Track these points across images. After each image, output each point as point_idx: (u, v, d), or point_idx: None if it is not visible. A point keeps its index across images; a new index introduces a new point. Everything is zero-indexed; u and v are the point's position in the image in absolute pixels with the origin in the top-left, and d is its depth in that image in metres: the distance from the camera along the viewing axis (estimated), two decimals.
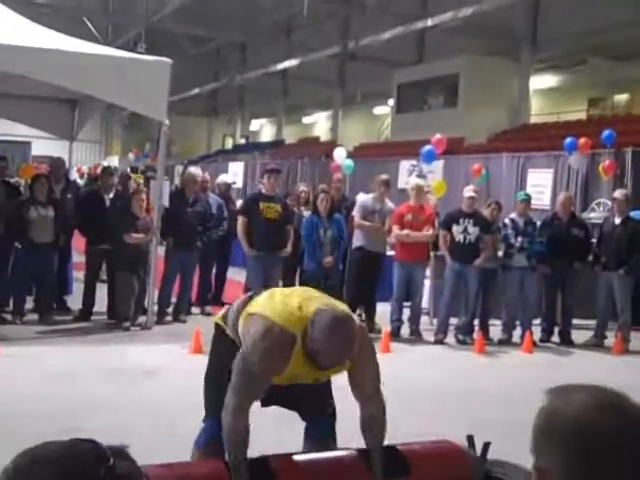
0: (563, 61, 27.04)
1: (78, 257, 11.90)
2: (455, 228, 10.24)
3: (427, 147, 12.75)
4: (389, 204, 10.77)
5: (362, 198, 11.03)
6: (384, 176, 11.12)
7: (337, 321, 3.66)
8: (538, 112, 28.12)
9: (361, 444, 4.04)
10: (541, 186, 17.12)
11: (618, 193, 10.93)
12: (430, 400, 7.38)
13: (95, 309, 10.44)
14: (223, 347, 4.23)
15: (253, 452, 4.26)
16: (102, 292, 10.45)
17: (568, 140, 15.67)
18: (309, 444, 4.40)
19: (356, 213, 10.58)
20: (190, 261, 10.62)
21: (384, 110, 34.99)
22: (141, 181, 15.99)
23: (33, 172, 12.87)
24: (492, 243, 10.29)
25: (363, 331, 4.04)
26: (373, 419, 4.06)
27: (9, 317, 9.97)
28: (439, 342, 10.18)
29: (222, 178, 12.45)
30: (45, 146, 22.92)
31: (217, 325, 4.34)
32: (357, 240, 10.55)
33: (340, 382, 4.19)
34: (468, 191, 10.63)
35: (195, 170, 11.63)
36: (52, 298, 10.39)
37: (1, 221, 9.92)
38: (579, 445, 1.45)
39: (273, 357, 3.72)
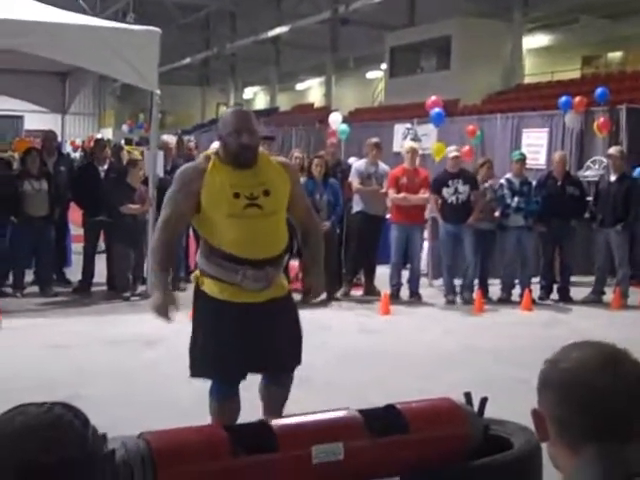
0: (555, 20, 26.90)
1: (76, 230, 11.89)
2: (445, 190, 10.24)
3: (435, 109, 12.74)
4: (382, 166, 10.76)
5: (356, 163, 11.00)
6: (374, 139, 11.11)
7: (234, 107, 4.11)
8: (532, 72, 28.03)
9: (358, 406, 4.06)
10: (536, 145, 17.09)
11: (613, 150, 10.93)
12: (429, 359, 7.43)
13: (94, 280, 10.46)
14: (203, 305, 4.37)
15: (253, 418, 4.31)
16: (101, 263, 10.47)
17: (563, 99, 15.64)
18: (267, 393, 4.57)
19: (353, 179, 10.55)
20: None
21: (377, 74, 34.85)
22: (137, 153, 15.93)
23: (27, 146, 12.81)
24: (480, 199, 10.27)
25: (293, 164, 5.03)
26: (308, 233, 4.59)
27: (9, 290, 10.00)
28: (451, 302, 10.22)
29: (214, 146, 12.40)
30: (38, 120, 22.76)
31: (195, 280, 4.45)
32: (357, 205, 10.54)
33: None
34: (451, 151, 10.65)
35: (167, 137, 11.60)
36: (51, 270, 10.43)
37: None
38: (567, 395, 1.53)
39: (185, 176, 4.26)
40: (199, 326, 4.36)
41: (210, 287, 4.29)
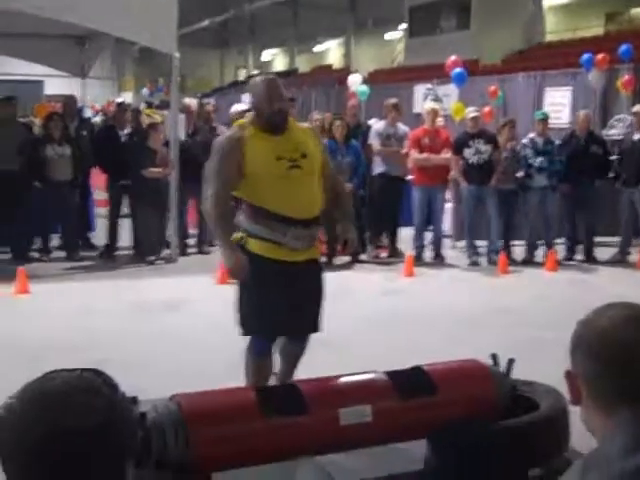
0: None
1: (99, 194, 11.94)
2: (467, 151, 10.17)
3: (457, 69, 12.62)
4: (402, 127, 10.70)
5: (375, 125, 10.91)
6: (393, 100, 11.02)
7: (264, 76, 4.65)
8: (553, 30, 27.66)
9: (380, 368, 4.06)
10: (559, 104, 16.90)
11: (638, 107, 10.78)
12: (454, 321, 7.43)
13: (119, 244, 10.51)
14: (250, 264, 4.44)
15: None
16: (126, 227, 10.51)
17: (585, 57, 15.42)
18: (288, 350, 4.77)
19: (373, 140, 10.50)
20: (201, 191, 10.57)
21: (396, 35, 34.52)
22: (157, 116, 15.90)
23: (49, 111, 12.82)
24: (500, 159, 10.19)
25: (317, 132, 5.12)
26: (337, 193, 4.78)
27: (36, 255, 10.07)
28: (475, 264, 10.20)
29: (235, 108, 12.34)
30: (58, 85, 22.77)
31: (237, 241, 4.50)
32: (378, 167, 10.49)
33: None
34: (471, 112, 10.57)
35: (188, 100, 11.56)
36: (77, 235, 10.49)
37: (18, 160, 9.92)
38: (601, 355, 1.52)
39: (225, 145, 4.46)
40: (245, 284, 4.48)
41: (255, 246, 4.43)
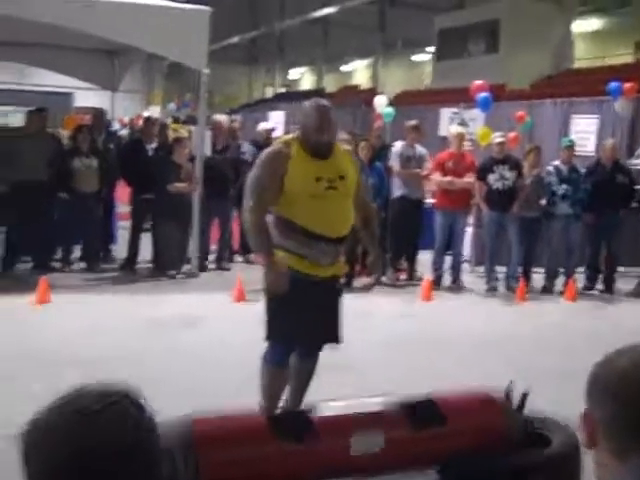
0: (607, 3, 26.43)
1: (122, 207, 12.03)
2: (491, 177, 10.16)
3: (482, 94, 12.62)
4: (420, 149, 10.72)
5: (395, 147, 10.91)
6: (413, 122, 11.06)
7: (315, 100, 4.74)
8: (583, 57, 27.60)
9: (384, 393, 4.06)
10: (585, 132, 16.85)
11: None
12: (469, 347, 7.41)
13: (140, 258, 10.57)
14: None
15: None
16: (147, 241, 10.58)
17: (613, 84, 15.37)
18: (299, 369, 4.92)
19: (393, 162, 10.50)
20: (226, 208, 10.66)
21: (424, 57, 34.58)
22: (184, 131, 16.00)
23: (78, 123, 12.95)
24: (525, 185, 10.17)
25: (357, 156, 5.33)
26: (368, 217, 4.96)
27: (58, 265, 10.14)
28: (493, 289, 10.18)
29: (262, 126, 12.43)
30: (87, 97, 23.01)
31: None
32: (398, 189, 10.50)
33: None
34: (497, 137, 10.56)
35: (220, 116, 11.62)
36: (99, 247, 10.57)
37: (46, 171, 10.02)
38: (621, 394, 1.49)
39: (272, 160, 4.63)
40: (273, 296, 4.68)
41: (285, 258, 4.62)
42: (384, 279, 10.38)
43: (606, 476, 1.53)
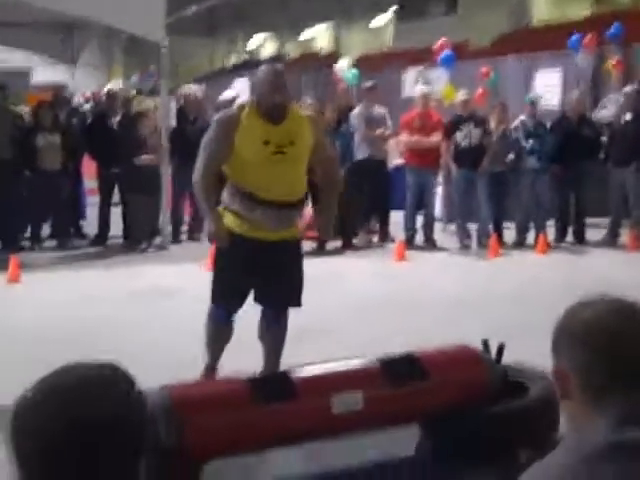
0: None
1: (90, 182, 11.92)
2: (458, 134, 10.19)
3: (445, 51, 12.62)
4: (379, 109, 10.71)
5: (356, 110, 10.78)
6: (369, 83, 11.09)
7: (268, 64, 4.86)
8: (542, 12, 27.59)
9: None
10: (550, 86, 16.87)
11: (628, 88, 10.81)
12: (446, 305, 7.44)
13: (111, 233, 10.49)
14: None
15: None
16: (117, 215, 10.49)
17: (573, 38, 15.39)
18: (267, 332, 5.03)
19: (358, 124, 10.41)
20: None
21: (385, 19, 34.41)
22: (150, 102, 15.82)
23: (39, 99, 12.77)
24: (492, 142, 10.21)
25: (319, 119, 5.45)
26: (328, 180, 4.98)
27: (27, 244, 10.05)
28: (466, 247, 10.22)
29: (226, 94, 12.31)
30: (47, 73, 22.67)
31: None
32: (362, 151, 10.41)
33: None
34: (461, 95, 10.56)
35: (190, 87, 11.50)
36: (68, 223, 10.47)
37: (9, 149, 9.90)
38: (592, 343, 1.52)
39: (222, 123, 4.73)
40: (217, 256, 4.91)
41: (230, 221, 4.73)
42: (356, 242, 10.40)
43: (579, 426, 1.55)
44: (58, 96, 11.33)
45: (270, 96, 4.60)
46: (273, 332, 5.03)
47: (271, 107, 4.62)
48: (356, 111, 10.62)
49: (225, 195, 4.82)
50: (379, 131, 10.45)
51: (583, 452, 1.43)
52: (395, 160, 11.26)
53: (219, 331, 4.97)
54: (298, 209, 4.86)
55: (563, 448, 1.50)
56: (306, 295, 7.73)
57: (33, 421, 1.29)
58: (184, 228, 10.85)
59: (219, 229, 4.70)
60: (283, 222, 4.70)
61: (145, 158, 9.79)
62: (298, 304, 4.98)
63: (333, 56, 29.39)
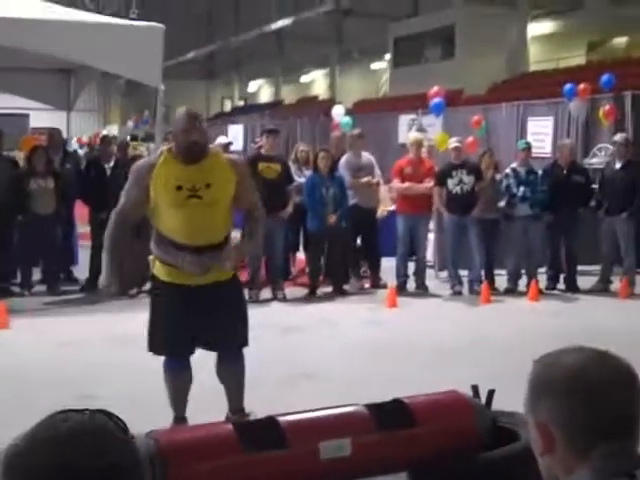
0: (560, 6, 26.78)
1: (82, 227, 11.93)
2: (450, 181, 10.25)
3: (435, 99, 12.74)
4: (366, 157, 10.79)
5: (343, 158, 10.81)
6: (356, 131, 11.20)
7: (185, 108, 4.81)
8: (537, 59, 27.92)
9: (358, 401, 4.07)
10: (541, 134, 17.05)
11: (619, 137, 10.89)
12: (437, 352, 7.43)
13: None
14: (155, 287, 4.93)
15: (260, 412, 4.33)
16: None
17: (567, 86, 15.57)
18: (222, 373, 5.06)
19: (344, 173, 10.44)
20: None
21: (381, 65, 34.77)
22: (143, 148, 15.92)
23: (34, 144, 12.83)
24: (485, 189, 10.28)
25: (242, 162, 5.34)
26: (252, 220, 5.00)
27: (17, 289, 10.02)
28: (458, 294, 10.21)
29: (219, 140, 12.40)
30: (44, 118, 22.77)
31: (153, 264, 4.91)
32: (351, 199, 10.46)
33: None
34: (453, 142, 10.64)
35: None
36: (59, 269, 10.44)
37: (3, 195, 9.93)
38: (573, 394, 1.51)
39: (138, 170, 4.78)
40: (152, 306, 4.94)
41: (160, 270, 4.82)
42: (347, 287, 10.40)
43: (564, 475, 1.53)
44: (52, 140, 11.36)
45: (185, 135, 4.64)
46: (229, 372, 5.06)
47: (186, 146, 4.65)
48: (343, 160, 10.66)
49: (152, 244, 4.88)
50: (365, 179, 10.51)
51: None
52: (387, 207, 11.28)
53: (176, 380, 5.00)
54: (221, 249, 4.80)
55: None
56: (296, 340, 7.79)
57: (24, 471, 1.27)
58: None
59: (107, 281, 4.84)
60: (207, 265, 4.70)
61: None
62: (244, 343, 5.01)
63: (330, 102, 29.65)
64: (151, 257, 4.90)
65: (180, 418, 5.01)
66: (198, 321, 4.76)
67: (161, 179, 4.64)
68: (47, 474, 1.26)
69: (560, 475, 1.53)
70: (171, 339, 4.82)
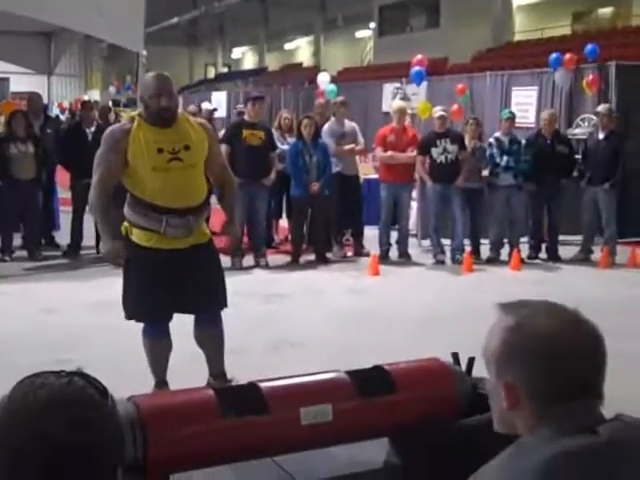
0: None
1: (63, 192, 11.86)
2: (434, 150, 10.23)
3: (416, 68, 12.67)
4: (349, 124, 10.78)
5: (326, 125, 10.78)
6: (340, 98, 11.19)
7: (154, 72, 4.81)
8: (522, 29, 27.85)
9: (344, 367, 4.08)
10: (525, 104, 16.99)
11: (602, 108, 10.89)
12: (419, 320, 7.46)
13: (83, 244, 10.42)
14: (132, 253, 4.82)
15: (242, 379, 4.33)
16: (89, 227, 10.41)
17: (553, 56, 15.51)
18: (201, 337, 5.09)
19: (328, 141, 10.41)
20: None
21: (366, 33, 34.60)
22: (124, 114, 15.77)
23: (14, 108, 12.70)
24: (468, 158, 10.28)
25: (209, 124, 5.29)
26: (224, 186, 5.08)
27: None
28: (440, 262, 10.23)
29: (204, 106, 12.33)
30: (24, 82, 22.57)
31: (124, 231, 4.86)
32: (335, 166, 10.44)
33: None
34: (437, 111, 10.61)
35: None
36: (40, 234, 10.39)
37: None
38: (539, 357, 1.55)
39: (113, 136, 4.73)
40: (128, 273, 4.89)
41: (138, 236, 4.76)
42: (330, 255, 10.41)
43: (524, 429, 1.57)
44: (32, 105, 11.24)
45: (156, 100, 4.63)
46: (207, 336, 5.08)
47: (157, 111, 4.65)
48: (326, 127, 10.62)
49: (127, 210, 4.83)
50: (349, 147, 10.49)
51: (526, 464, 1.46)
52: (369, 174, 11.27)
53: (156, 346, 5.01)
54: (202, 212, 4.89)
55: (506, 453, 1.53)
56: (279, 308, 7.80)
57: (6, 432, 1.27)
58: None
59: (113, 248, 4.74)
60: (187, 229, 4.72)
61: None
62: (224, 304, 5.02)
63: (314, 69, 29.50)
64: (125, 224, 4.85)
65: (161, 383, 5.02)
66: (178, 285, 4.76)
67: (140, 143, 4.62)
68: (23, 447, 1.25)
69: (522, 433, 1.57)
70: (150, 304, 4.81)
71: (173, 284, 4.76)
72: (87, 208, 5.01)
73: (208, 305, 4.98)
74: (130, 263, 4.87)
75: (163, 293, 4.77)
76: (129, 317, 4.96)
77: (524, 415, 1.57)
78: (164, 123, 4.68)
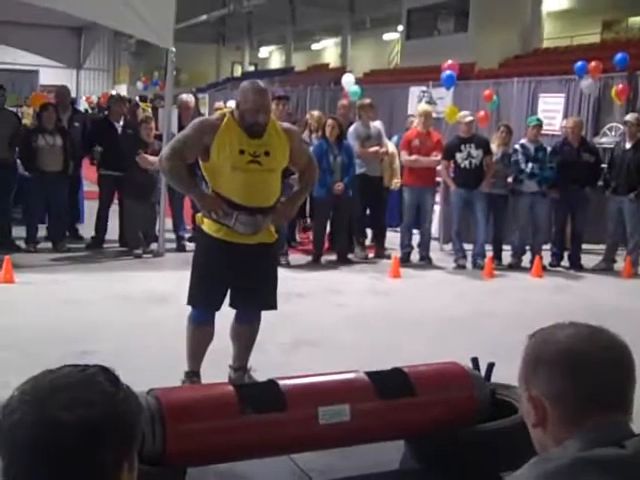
0: None
1: (89, 186, 11.93)
2: (459, 155, 10.22)
3: (447, 72, 12.67)
4: (375, 126, 10.75)
5: (352, 126, 10.78)
6: (366, 100, 11.13)
7: (252, 81, 4.99)
8: (551, 36, 27.68)
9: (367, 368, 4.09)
10: (552, 111, 16.93)
11: (630, 117, 10.81)
12: (438, 323, 7.45)
13: (107, 237, 10.49)
14: (201, 241, 5.09)
15: (261, 377, 4.36)
16: (114, 220, 10.50)
17: (578, 64, 15.46)
18: (239, 330, 5.20)
19: (353, 142, 10.41)
20: None
21: (394, 36, 34.54)
22: (149, 110, 15.86)
23: (44, 101, 12.79)
24: (492, 164, 10.25)
25: (295, 129, 5.60)
26: (305, 173, 5.28)
27: (23, 245, 10.03)
28: (461, 267, 10.22)
29: (229, 105, 12.36)
30: (53, 75, 22.72)
31: (198, 220, 5.06)
32: (359, 167, 10.45)
33: None
34: (465, 116, 10.58)
35: (186, 96, 11.48)
36: (64, 226, 10.46)
37: (7, 150, 9.92)
38: (562, 371, 1.55)
39: (203, 125, 4.94)
40: (196, 259, 5.07)
41: (208, 226, 4.93)
42: (352, 256, 10.41)
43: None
44: (61, 98, 11.31)
45: (253, 115, 4.79)
46: (247, 331, 5.19)
47: (251, 125, 4.82)
48: (351, 128, 10.63)
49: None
50: (373, 149, 10.48)
51: (547, 468, 1.46)
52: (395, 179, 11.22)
53: (201, 332, 5.09)
54: (270, 214, 5.01)
55: (530, 464, 1.53)
56: (300, 307, 7.81)
57: (13, 420, 1.29)
58: (187, 235, 10.67)
59: (208, 198, 4.88)
60: (257, 227, 4.87)
61: (145, 158, 9.71)
62: (274, 306, 5.17)
63: (340, 70, 29.49)
64: (199, 214, 5.03)
65: (192, 373, 5.09)
66: (236, 278, 4.93)
67: (226, 140, 4.78)
68: (27, 429, 1.28)
69: (551, 447, 1.57)
70: (205, 291, 4.97)
71: (232, 277, 4.93)
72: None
73: (260, 304, 5.13)
74: (198, 250, 5.10)
75: (219, 283, 4.94)
76: (189, 302, 5.09)
77: (552, 431, 1.57)
78: (255, 135, 4.84)
